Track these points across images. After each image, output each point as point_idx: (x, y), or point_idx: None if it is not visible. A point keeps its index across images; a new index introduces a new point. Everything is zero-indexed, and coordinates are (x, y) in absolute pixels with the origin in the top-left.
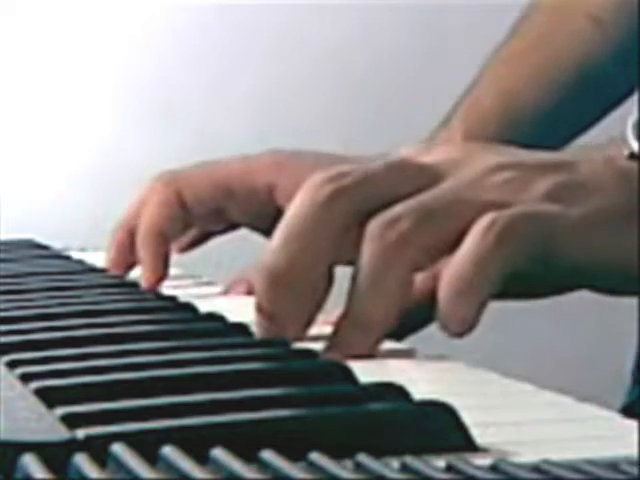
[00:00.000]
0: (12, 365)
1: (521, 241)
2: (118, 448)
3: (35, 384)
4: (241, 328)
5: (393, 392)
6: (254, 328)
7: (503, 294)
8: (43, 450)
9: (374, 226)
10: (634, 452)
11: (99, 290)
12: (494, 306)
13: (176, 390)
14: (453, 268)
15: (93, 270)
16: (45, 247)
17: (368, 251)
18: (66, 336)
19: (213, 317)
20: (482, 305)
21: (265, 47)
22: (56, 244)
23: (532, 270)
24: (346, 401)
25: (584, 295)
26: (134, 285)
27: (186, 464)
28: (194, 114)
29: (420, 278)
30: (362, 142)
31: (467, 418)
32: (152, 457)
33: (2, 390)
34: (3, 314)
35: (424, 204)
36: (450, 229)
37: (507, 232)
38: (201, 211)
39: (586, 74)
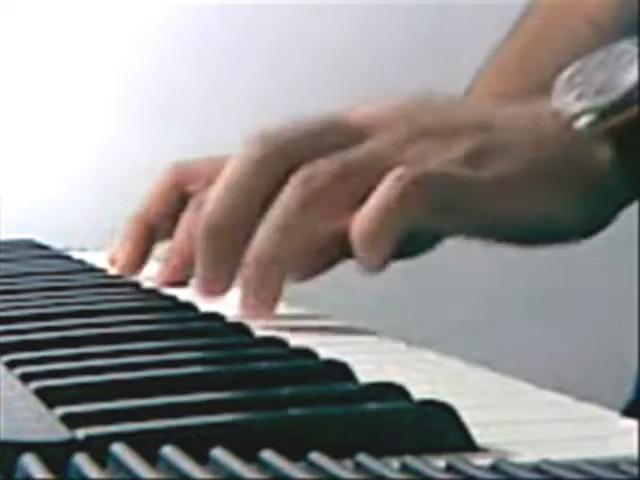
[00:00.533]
0: (12, 365)
1: (423, 197)
2: (118, 448)
3: (35, 384)
4: (241, 328)
5: (393, 392)
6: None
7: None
8: (43, 450)
9: (297, 178)
10: (634, 452)
11: (99, 290)
12: (495, 307)
13: (176, 390)
14: (363, 215)
15: (93, 270)
16: (45, 247)
17: (288, 199)
18: (66, 336)
19: (213, 317)
20: (389, 247)
21: (265, 47)
22: (56, 244)
23: (434, 224)
24: (346, 401)
25: (585, 295)
26: (134, 285)
27: (186, 464)
28: (194, 114)
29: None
30: None
31: (467, 418)
32: (152, 457)
33: (2, 390)
34: (3, 314)
35: (343, 162)
36: (361, 188)
37: (411, 187)
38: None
39: None
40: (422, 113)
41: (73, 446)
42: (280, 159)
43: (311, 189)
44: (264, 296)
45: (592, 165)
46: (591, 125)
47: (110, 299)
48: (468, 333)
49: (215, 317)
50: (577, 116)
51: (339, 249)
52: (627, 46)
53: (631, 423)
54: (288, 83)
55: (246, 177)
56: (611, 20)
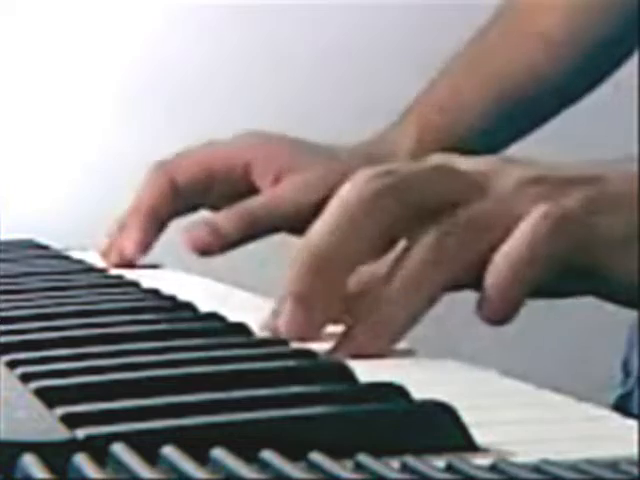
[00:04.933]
0: (12, 365)
1: (570, 235)
2: (118, 448)
3: (35, 384)
4: (241, 328)
5: (393, 392)
6: (254, 326)
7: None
8: (43, 450)
9: (429, 236)
10: (634, 452)
11: (99, 290)
12: None
13: (176, 390)
14: (505, 253)
15: (93, 270)
16: (45, 247)
17: (422, 259)
18: (66, 336)
19: (213, 317)
20: (527, 292)
21: (268, 45)
22: (56, 244)
23: (568, 268)
24: (346, 401)
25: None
26: (134, 285)
27: (186, 464)
28: (195, 115)
29: None
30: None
31: (467, 418)
32: (152, 457)
33: (2, 390)
34: (4, 314)
35: (475, 217)
36: (496, 240)
37: (560, 224)
38: (189, 188)
39: (525, 89)
40: (521, 166)
41: (73, 446)
42: (395, 201)
43: (446, 250)
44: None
45: None
46: None
47: (110, 299)
48: (468, 333)
49: (215, 317)
50: None
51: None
52: None
53: (631, 423)
54: (290, 82)
55: (358, 215)
56: (564, 35)
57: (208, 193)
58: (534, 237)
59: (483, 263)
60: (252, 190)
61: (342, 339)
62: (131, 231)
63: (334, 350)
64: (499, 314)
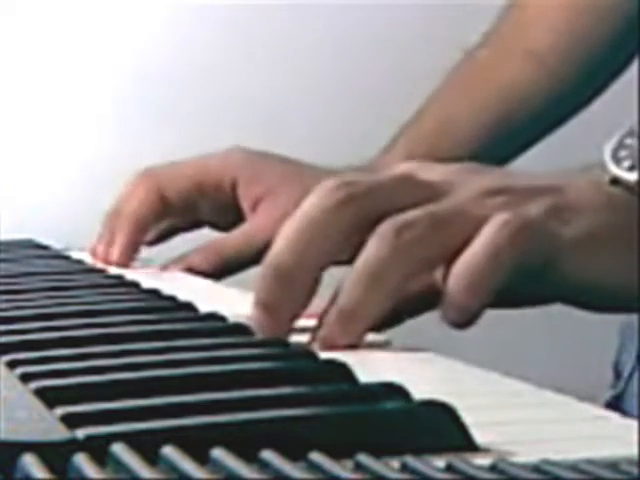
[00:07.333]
0: (12, 365)
1: (531, 243)
2: (118, 448)
3: (35, 384)
4: (241, 328)
5: (393, 392)
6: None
7: (496, 302)
8: (43, 450)
9: (388, 226)
10: (634, 452)
11: (99, 290)
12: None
13: (176, 390)
14: (467, 260)
15: (93, 270)
16: (45, 247)
17: (379, 248)
18: (66, 336)
19: (213, 317)
20: (488, 298)
21: (266, 48)
22: (56, 244)
23: (530, 276)
24: (346, 401)
25: None
26: (134, 285)
27: (186, 464)
28: (195, 118)
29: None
30: (360, 146)
31: (467, 418)
32: (152, 457)
33: (2, 390)
34: (4, 314)
35: (435, 213)
36: (456, 239)
37: (521, 231)
38: (179, 204)
39: (514, 106)
40: (489, 175)
41: (73, 446)
42: (357, 210)
43: (404, 239)
44: (343, 344)
45: None
46: None
47: (110, 299)
48: (468, 333)
49: (215, 317)
50: (636, 184)
51: (420, 304)
52: None
53: (631, 423)
54: (288, 86)
55: (319, 225)
56: (558, 58)
57: (196, 207)
58: (495, 244)
59: (442, 261)
60: (237, 208)
61: (315, 332)
62: (118, 237)
63: (308, 343)
64: (459, 319)
